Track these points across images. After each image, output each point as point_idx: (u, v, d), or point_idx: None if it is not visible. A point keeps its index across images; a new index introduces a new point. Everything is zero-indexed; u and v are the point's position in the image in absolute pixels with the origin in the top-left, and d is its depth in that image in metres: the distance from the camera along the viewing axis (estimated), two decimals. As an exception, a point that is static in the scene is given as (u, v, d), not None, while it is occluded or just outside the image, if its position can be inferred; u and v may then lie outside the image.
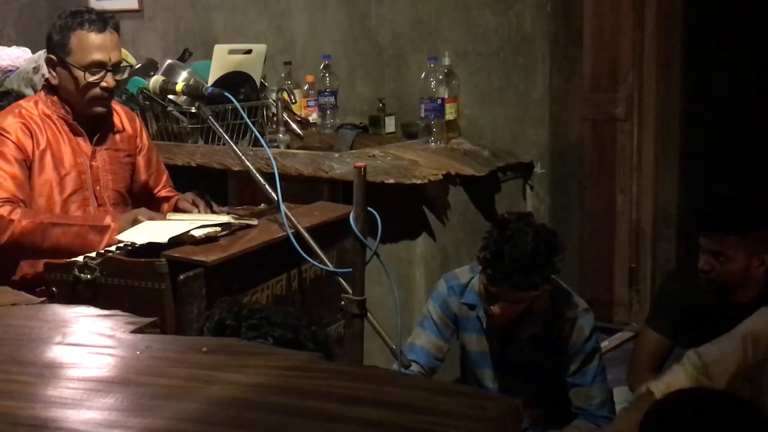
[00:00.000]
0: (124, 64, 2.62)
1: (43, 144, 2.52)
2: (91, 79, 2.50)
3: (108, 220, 2.35)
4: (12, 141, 2.48)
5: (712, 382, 2.15)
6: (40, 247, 2.38)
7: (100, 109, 2.56)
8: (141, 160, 2.76)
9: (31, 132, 2.50)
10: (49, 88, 2.58)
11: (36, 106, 2.56)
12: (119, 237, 2.16)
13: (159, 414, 1.08)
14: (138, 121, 2.80)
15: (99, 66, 2.50)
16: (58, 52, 2.51)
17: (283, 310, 1.78)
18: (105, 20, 2.53)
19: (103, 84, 2.51)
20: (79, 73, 2.49)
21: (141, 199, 2.79)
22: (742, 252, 2.53)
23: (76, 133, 2.58)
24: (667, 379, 2.21)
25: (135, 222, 2.25)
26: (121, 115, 2.72)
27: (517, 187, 3.45)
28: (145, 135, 2.80)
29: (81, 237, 2.32)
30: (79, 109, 2.56)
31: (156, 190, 2.80)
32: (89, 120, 2.60)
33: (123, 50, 2.90)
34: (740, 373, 2.15)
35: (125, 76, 2.73)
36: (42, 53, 3.54)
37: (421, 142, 3.35)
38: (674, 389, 2.10)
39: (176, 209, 2.61)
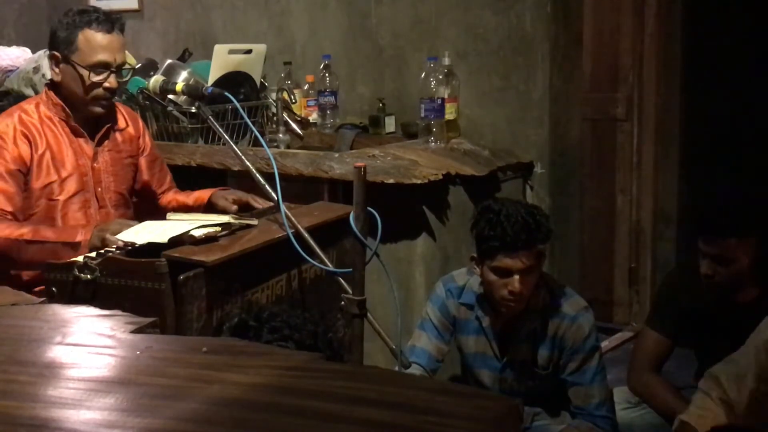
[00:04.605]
0: (126, 66, 2.62)
1: (42, 148, 2.51)
2: (95, 79, 2.50)
3: (80, 236, 2.34)
4: (7, 151, 2.47)
5: (736, 401, 2.15)
6: (17, 261, 2.42)
7: (99, 110, 2.56)
8: (143, 161, 2.76)
9: (29, 137, 2.50)
10: (52, 85, 2.58)
11: (37, 109, 2.55)
12: (119, 237, 2.16)
13: (159, 414, 1.08)
14: (141, 122, 2.81)
15: (104, 66, 2.50)
16: (63, 49, 2.50)
17: (300, 314, 1.80)
18: (112, 21, 2.52)
19: (106, 84, 2.51)
20: (84, 72, 2.49)
21: (145, 201, 2.79)
22: (743, 253, 2.53)
23: (77, 135, 2.58)
24: (697, 410, 2.23)
25: (104, 241, 2.20)
26: (124, 116, 2.72)
27: (517, 187, 3.45)
28: (147, 136, 2.80)
29: (55, 252, 2.30)
30: (80, 107, 2.56)
31: (159, 192, 2.81)
32: (90, 121, 2.60)
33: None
34: (761, 385, 2.14)
35: (127, 78, 2.73)
36: (42, 53, 3.54)
37: (421, 142, 3.35)
38: (708, 417, 2.16)
39: (210, 208, 2.59)
